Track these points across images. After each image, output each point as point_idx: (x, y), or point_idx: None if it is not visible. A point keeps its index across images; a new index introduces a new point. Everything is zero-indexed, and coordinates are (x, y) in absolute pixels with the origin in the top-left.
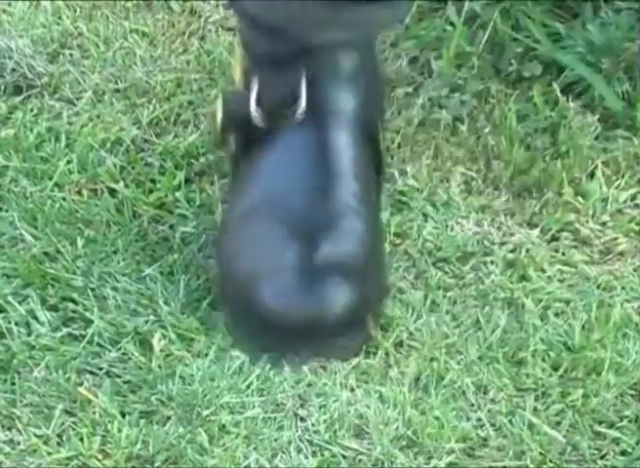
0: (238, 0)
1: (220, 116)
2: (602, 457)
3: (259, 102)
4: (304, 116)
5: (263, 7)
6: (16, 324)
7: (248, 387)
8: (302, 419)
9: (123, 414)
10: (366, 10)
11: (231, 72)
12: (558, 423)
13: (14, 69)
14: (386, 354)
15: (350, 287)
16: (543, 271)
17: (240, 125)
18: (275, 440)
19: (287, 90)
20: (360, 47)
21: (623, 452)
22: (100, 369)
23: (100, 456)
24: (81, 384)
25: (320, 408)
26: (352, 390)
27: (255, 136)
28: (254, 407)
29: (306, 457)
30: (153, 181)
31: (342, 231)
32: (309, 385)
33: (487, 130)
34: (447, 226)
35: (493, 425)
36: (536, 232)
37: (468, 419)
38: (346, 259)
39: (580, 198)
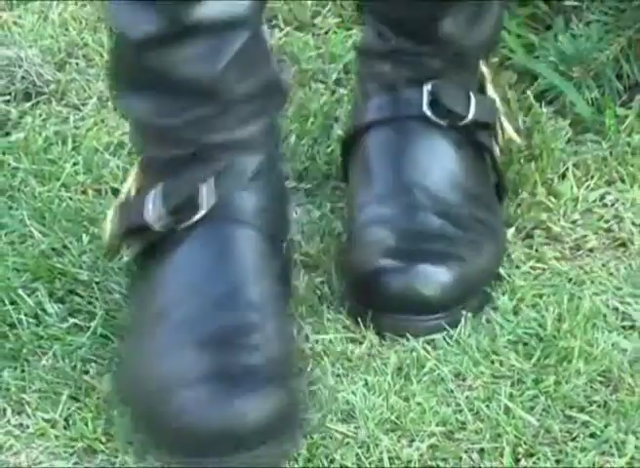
0: (126, 104)
1: (110, 227)
2: (573, 439)
3: (155, 209)
4: (206, 218)
5: (152, 111)
6: (25, 315)
7: None
8: None
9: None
10: None
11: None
12: (532, 408)
13: (24, 77)
14: (370, 346)
15: (263, 396)
16: (518, 267)
17: (136, 232)
18: None
19: (186, 193)
20: (260, 148)
21: (593, 435)
22: (104, 358)
23: (103, 439)
24: (86, 372)
25: (309, 394)
26: (339, 378)
27: (154, 242)
28: None
29: None
30: None
31: (251, 338)
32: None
33: None
34: None
35: (471, 410)
36: (511, 230)
37: (448, 405)
38: (258, 368)
39: (552, 198)
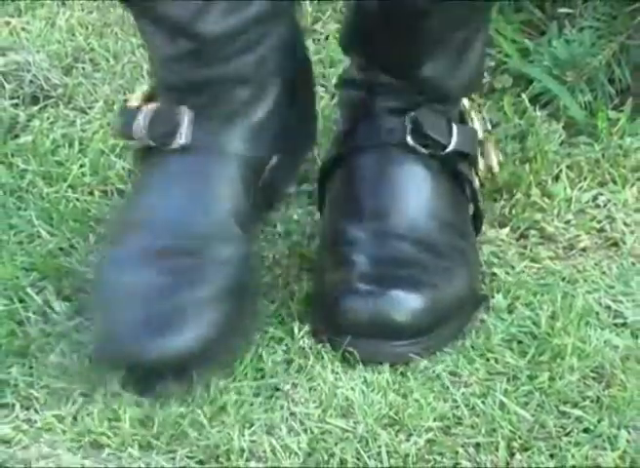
0: (138, 28)
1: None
2: (567, 434)
3: (144, 124)
4: (185, 147)
5: (148, 41)
6: (33, 313)
7: (245, 375)
8: (294, 401)
9: (130, 396)
10: None
11: None
12: (527, 403)
13: (32, 81)
14: None
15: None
16: (512, 267)
17: (128, 137)
18: (269, 419)
19: (168, 122)
20: (248, 81)
21: (586, 430)
22: None
23: (110, 434)
24: (93, 369)
25: (310, 390)
26: (338, 375)
27: (146, 148)
28: (249, 389)
29: (298, 434)
30: None
31: (205, 278)
32: (299, 370)
33: None
34: None
35: (467, 406)
36: (506, 231)
37: (445, 401)
38: (201, 309)
39: (546, 199)
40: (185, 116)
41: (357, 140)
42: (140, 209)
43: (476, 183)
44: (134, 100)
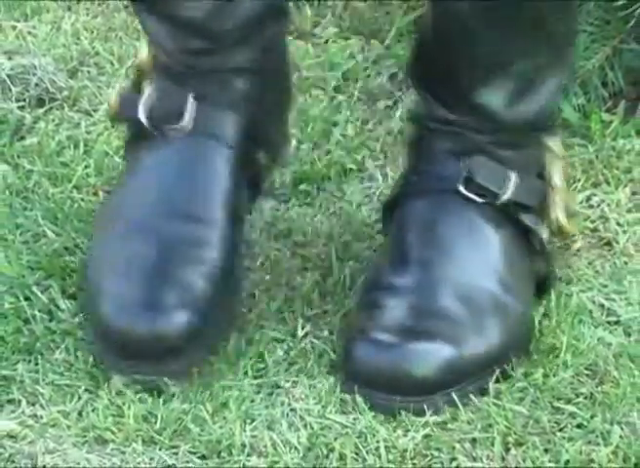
0: (140, 20)
1: (113, 106)
2: (560, 430)
3: (147, 107)
4: (187, 132)
5: (155, 32)
6: (39, 311)
7: (245, 373)
8: (294, 397)
9: (134, 393)
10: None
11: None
12: (521, 399)
13: (37, 84)
14: None
15: (190, 314)
16: None
17: (129, 120)
18: (270, 415)
19: (173, 105)
20: (249, 72)
21: (580, 425)
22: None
23: (114, 429)
24: (97, 366)
25: (310, 387)
26: (338, 373)
27: (141, 134)
28: (250, 386)
29: (298, 430)
30: None
31: (193, 259)
32: (300, 369)
33: None
34: None
35: (463, 402)
36: None
37: None
38: (190, 289)
39: None
40: (189, 100)
41: (410, 186)
42: (133, 191)
43: (545, 236)
44: (143, 63)
